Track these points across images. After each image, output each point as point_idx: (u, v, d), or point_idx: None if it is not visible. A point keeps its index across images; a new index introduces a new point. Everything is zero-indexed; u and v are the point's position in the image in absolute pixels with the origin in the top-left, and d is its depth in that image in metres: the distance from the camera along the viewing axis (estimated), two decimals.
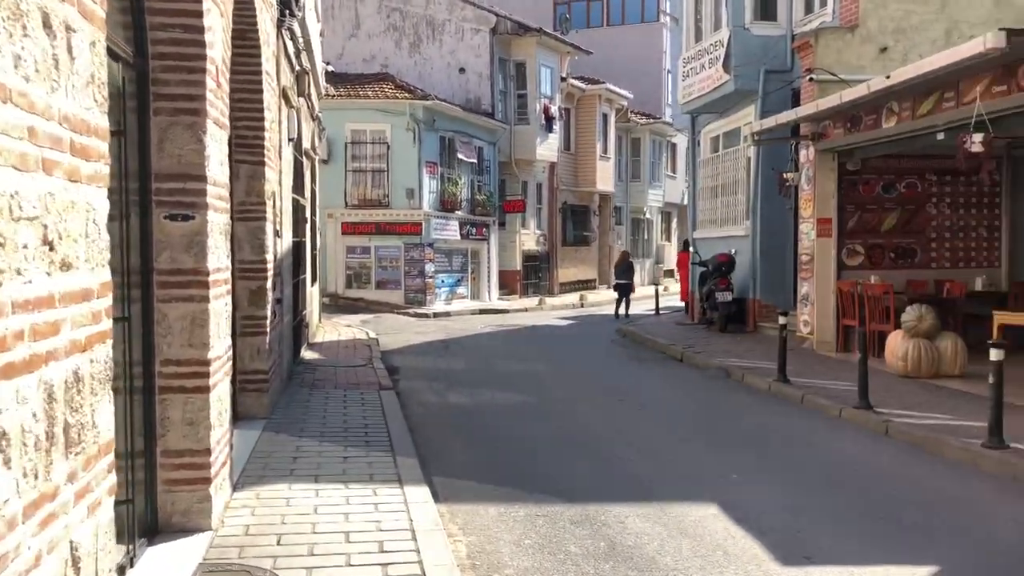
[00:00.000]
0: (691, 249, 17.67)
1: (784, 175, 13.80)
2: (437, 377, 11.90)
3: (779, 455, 7.45)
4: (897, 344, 10.93)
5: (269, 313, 7.85)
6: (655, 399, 10.27)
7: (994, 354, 6.83)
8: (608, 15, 42.50)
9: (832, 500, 6.11)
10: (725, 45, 15.47)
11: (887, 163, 13.74)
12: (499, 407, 9.78)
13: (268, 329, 7.86)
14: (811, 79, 13.35)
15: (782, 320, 10.83)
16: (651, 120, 38.01)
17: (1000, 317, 9.74)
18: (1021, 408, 8.07)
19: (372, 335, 16.10)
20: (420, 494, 5.67)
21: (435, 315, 22.65)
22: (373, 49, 28.39)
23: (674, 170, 42.95)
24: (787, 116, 12.76)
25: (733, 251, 16.40)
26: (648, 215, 40.22)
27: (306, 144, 13.13)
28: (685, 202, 43.97)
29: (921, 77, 8.96)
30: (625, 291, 22.29)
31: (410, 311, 22.75)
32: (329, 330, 16.70)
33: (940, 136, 10.63)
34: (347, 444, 7.07)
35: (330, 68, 18.31)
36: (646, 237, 40.55)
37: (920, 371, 10.67)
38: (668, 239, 43.76)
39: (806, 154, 13.68)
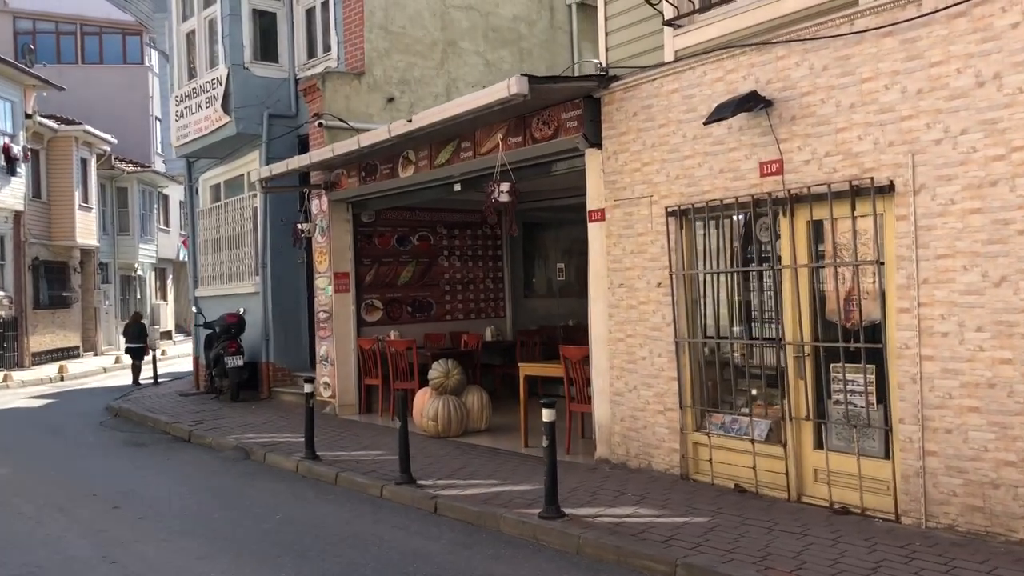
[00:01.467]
0: (194, 309, 15.67)
1: (298, 226, 12.72)
2: None
3: (329, 560, 6.14)
4: (426, 403, 10.40)
5: None
6: (161, 499, 8.28)
7: (547, 415, 6.39)
8: (83, 53, 38.09)
9: None
10: (224, 83, 14.01)
11: (401, 215, 13.46)
12: None
13: None
14: (320, 124, 12.54)
15: (308, 388, 9.61)
16: (140, 168, 34.63)
17: (525, 368, 9.70)
18: (540, 459, 7.90)
19: None
20: None
21: None
22: None
23: (167, 224, 39.85)
24: (299, 161, 11.72)
25: (242, 310, 14.84)
26: (140, 272, 36.50)
27: None
28: (182, 258, 41.15)
29: (444, 122, 8.54)
30: (139, 355, 19.75)
31: None
32: None
33: (457, 187, 10.48)
34: None
35: None
36: (139, 296, 36.71)
37: (451, 430, 10.25)
38: (164, 298, 40.31)
39: (319, 204, 12.79)
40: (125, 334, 21.14)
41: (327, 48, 14.13)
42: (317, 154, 11.46)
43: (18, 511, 7.91)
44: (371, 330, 12.92)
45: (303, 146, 13.79)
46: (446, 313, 14.01)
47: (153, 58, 38.67)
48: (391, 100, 13.46)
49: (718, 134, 7.08)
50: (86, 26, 37.82)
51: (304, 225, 12.71)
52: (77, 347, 30.56)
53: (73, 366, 25.61)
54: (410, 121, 8.88)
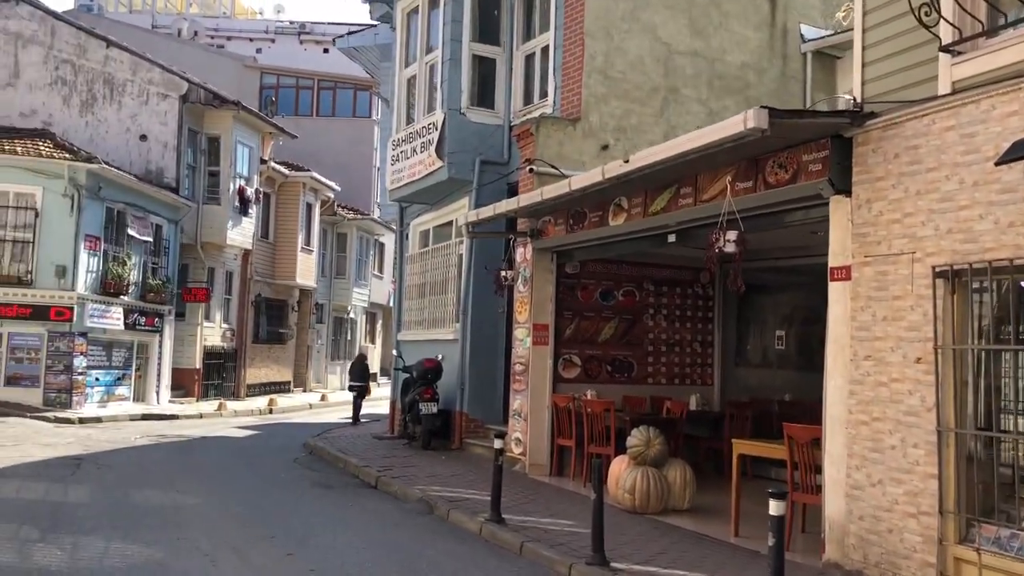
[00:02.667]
0: (395, 352, 15.58)
1: (501, 272, 12.22)
2: (35, 517, 8.56)
3: None
4: (623, 473, 9.41)
5: None
6: (336, 550, 7.78)
7: (775, 507, 5.26)
8: (318, 106, 40.69)
9: None
10: (439, 128, 13.94)
11: (607, 268, 12.68)
12: (108, 573, 6.79)
13: None
14: (531, 170, 12.05)
15: (498, 444, 8.89)
16: (359, 216, 36.20)
17: (740, 446, 8.51)
18: (755, 553, 6.69)
19: None
20: None
21: (81, 421, 18.47)
22: (34, 103, 24.07)
23: (381, 270, 41.34)
24: (507, 205, 11.26)
25: (440, 357, 14.52)
26: (352, 314, 37.93)
27: None
28: (391, 303, 42.56)
29: (665, 161, 7.69)
30: (361, 394, 20.64)
31: (50, 415, 18.39)
32: None
33: (671, 239, 9.56)
34: None
35: None
36: (349, 338, 38.11)
37: (649, 506, 9.19)
38: (372, 341, 41.65)
39: (523, 252, 12.26)
40: (350, 373, 22.22)
41: (543, 94, 13.76)
42: (526, 197, 10.95)
43: (196, 545, 7.66)
44: (567, 387, 12.13)
45: (512, 193, 13.37)
46: (647, 376, 12.98)
47: (379, 111, 40.83)
48: (605, 147, 12.81)
49: (1009, 179, 5.77)
50: (323, 81, 40.42)
51: (507, 272, 12.20)
52: (288, 382, 31.96)
53: (282, 400, 26.65)
54: (627, 161, 8.11)
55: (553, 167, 12.05)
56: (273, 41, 52.45)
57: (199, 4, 56.02)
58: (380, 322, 42.97)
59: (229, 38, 50.32)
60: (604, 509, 7.25)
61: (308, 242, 31.80)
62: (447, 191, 14.76)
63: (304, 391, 32.64)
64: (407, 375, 15.01)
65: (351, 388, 21.19)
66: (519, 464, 11.97)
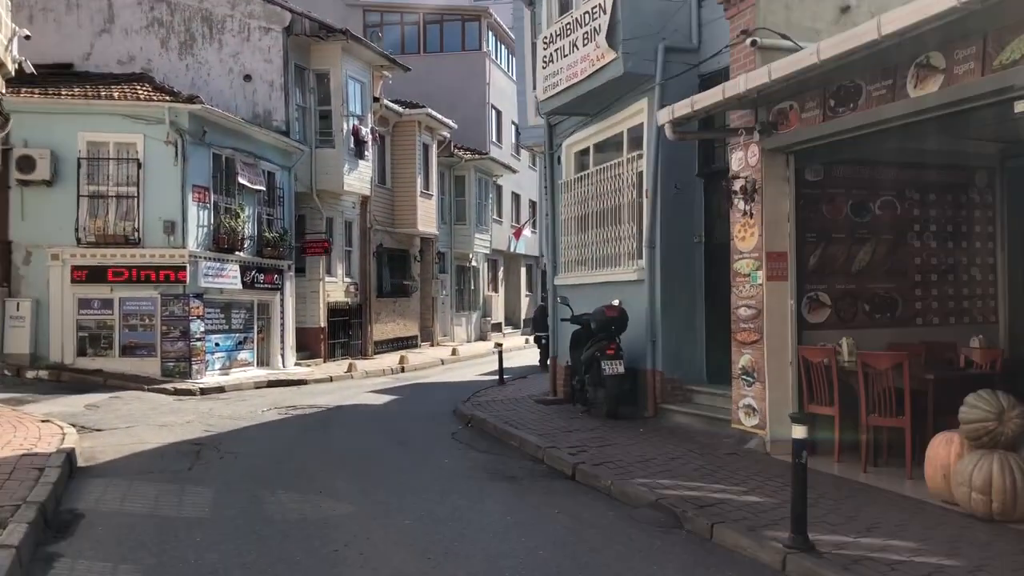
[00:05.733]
0: (559, 300, 12.72)
1: (734, 181, 9.09)
2: (146, 542, 6.18)
3: None
4: (964, 462, 6.34)
5: None
6: None
7: None
8: (425, 42, 37.79)
9: None
10: (609, 10, 10.83)
11: (858, 173, 9.44)
12: None
13: None
14: (753, 43, 8.85)
15: (799, 431, 5.85)
16: (477, 155, 33.43)
17: None
18: None
19: (71, 437, 9.96)
20: None
21: (203, 391, 16.50)
22: (132, 48, 22.07)
23: (500, 214, 38.68)
24: (732, 88, 8.09)
25: (616, 302, 11.62)
26: (474, 262, 35.43)
27: None
28: (513, 249, 39.85)
29: None
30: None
31: (169, 386, 16.49)
32: (3, 427, 10.34)
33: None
34: None
35: (25, 62, 12.12)
36: (472, 287, 35.70)
37: (1016, 512, 6.11)
38: (496, 290, 39.19)
39: (743, 156, 9.14)
40: (534, 324, 22.79)
41: None
42: (756, 76, 7.77)
43: None
44: (814, 335, 9.06)
45: (706, 86, 10.21)
46: (915, 314, 9.74)
47: (490, 43, 37.69)
48: (846, 9, 9.45)
49: None
50: (428, 15, 37.53)
51: (744, 176, 9.00)
52: (415, 336, 29.80)
53: (412, 356, 24.40)
54: None
55: (784, 37, 8.82)
56: None
57: None
58: (502, 269, 40.45)
59: None
60: (931, 514, 4.46)
61: (427, 186, 29.28)
62: (616, 94, 11.71)
63: (431, 345, 30.45)
64: (577, 326, 12.20)
65: (537, 339, 20.76)
66: (754, 440, 9.04)
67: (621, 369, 10.90)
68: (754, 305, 9.01)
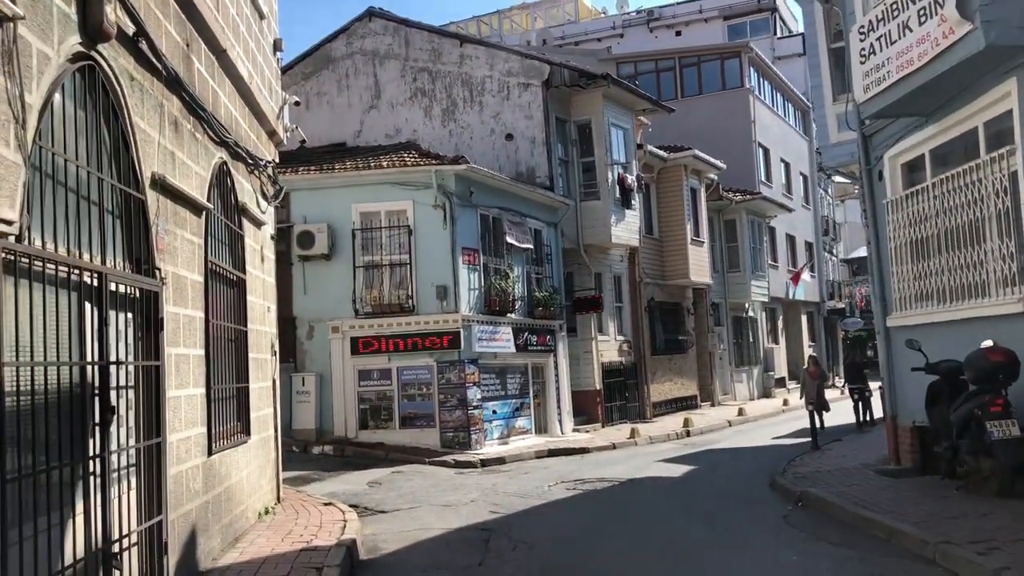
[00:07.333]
0: (907, 344, 10.16)
1: None
2: None
3: None
4: None
5: None
6: None
7: None
8: (682, 85, 36.00)
9: None
10: None
11: None
12: None
13: None
14: None
15: None
16: (749, 196, 30.96)
17: None
18: None
19: (353, 525, 8.95)
20: None
21: (483, 463, 15.46)
22: (398, 121, 22.38)
23: (775, 258, 35.60)
24: None
25: (989, 343, 8.92)
26: (751, 312, 32.65)
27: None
28: (791, 296, 36.48)
29: None
30: (862, 396, 18.64)
31: (449, 458, 15.62)
32: (287, 513, 9.59)
33: None
34: None
35: (300, 136, 11.81)
36: (751, 340, 32.86)
37: None
38: (775, 341, 35.94)
39: None
40: (846, 375, 21.30)
41: None
42: None
43: None
44: None
45: None
46: None
47: (753, 79, 35.25)
48: None
49: None
50: (684, 58, 35.89)
51: None
52: (694, 396, 27.57)
53: (695, 418, 22.21)
54: None
55: None
56: (622, 36, 49.20)
57: (544, 18, 54.52)
58: (781, 318, 37.16)
59: (577, 43, 47.86)
60: None
61: (697, 232, 27.26)
62: (967, 79, 9.21)
63: (712, 405, 28.05)
64: (934, 377, 9.62)
65: (852, 391, 18.88)
66: None
67: (1016, 431, 8.21)
68: None
